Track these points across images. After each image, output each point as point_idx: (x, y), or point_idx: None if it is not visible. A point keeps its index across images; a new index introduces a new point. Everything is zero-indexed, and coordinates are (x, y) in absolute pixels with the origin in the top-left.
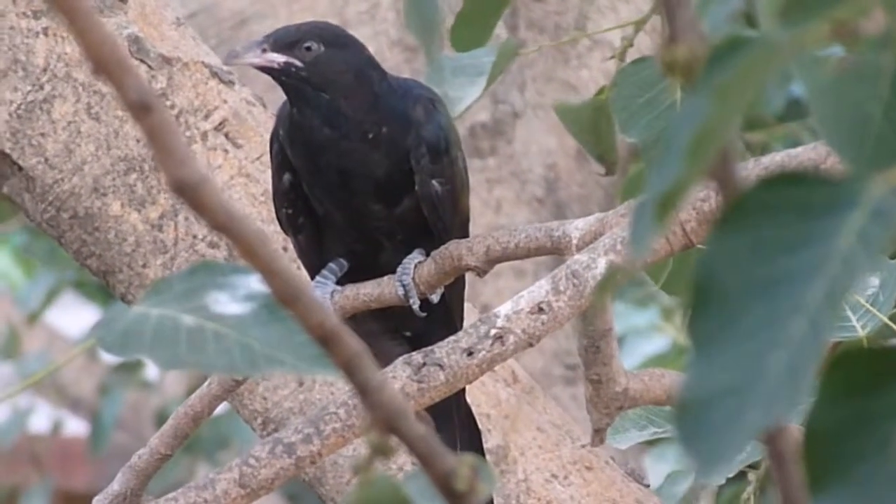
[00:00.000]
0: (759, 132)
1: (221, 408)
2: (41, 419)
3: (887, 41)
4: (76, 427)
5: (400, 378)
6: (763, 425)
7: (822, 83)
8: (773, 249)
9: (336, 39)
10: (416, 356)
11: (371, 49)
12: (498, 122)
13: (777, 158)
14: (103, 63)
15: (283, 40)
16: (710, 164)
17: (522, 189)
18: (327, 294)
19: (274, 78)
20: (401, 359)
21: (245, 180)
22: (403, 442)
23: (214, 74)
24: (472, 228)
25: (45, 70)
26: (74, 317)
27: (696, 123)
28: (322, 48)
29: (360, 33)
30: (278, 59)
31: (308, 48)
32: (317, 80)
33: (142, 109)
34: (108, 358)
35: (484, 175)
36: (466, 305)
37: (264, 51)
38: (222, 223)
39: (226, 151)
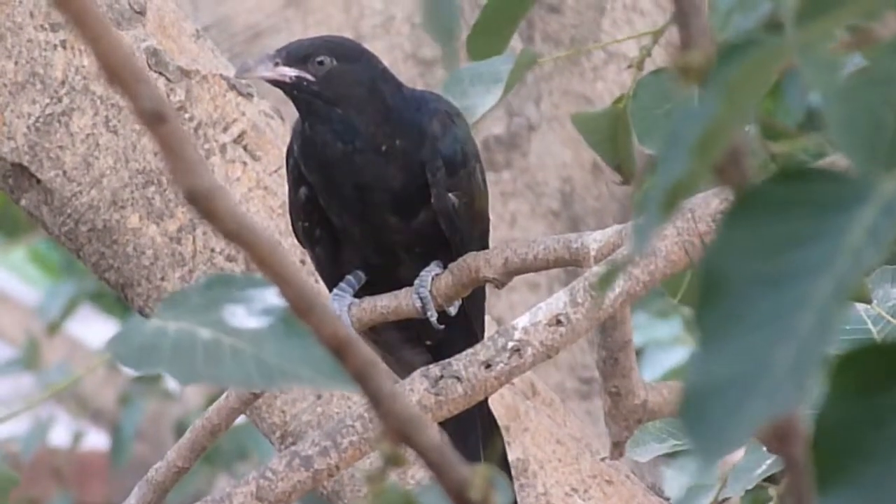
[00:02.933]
0: (783, 142)
1: (241, 419)
2: (62, 431)
3: None
4: (97, 439)
5: (418, 391)
6: (767, 417)
7: (835, 88)
8: (781, 243)
9: (348, 53)
10: (434, 369)
11: (385, 63)
12: (513, 135)
13: None
14: (116, 72)
15: (296, 54)
16: (717, 160)
17: (538, 202)
18: (345, 307)
19: (286, 93)
20: (418, 371)
21: (263, 192)
22: (416, 451)
23: (233, 87)
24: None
25: (63, 83)
26: (96, 327)
27: (704, 120)
28: (334, 62)
29: (375, 47)
30: (290, 72)
31: (320, 62)
32: (329, 94)
33: (155, 118)
34: (129, 369)
35: (499, 188)
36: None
37: (276, 64)
38: (234, 232)
39: (244, 164)
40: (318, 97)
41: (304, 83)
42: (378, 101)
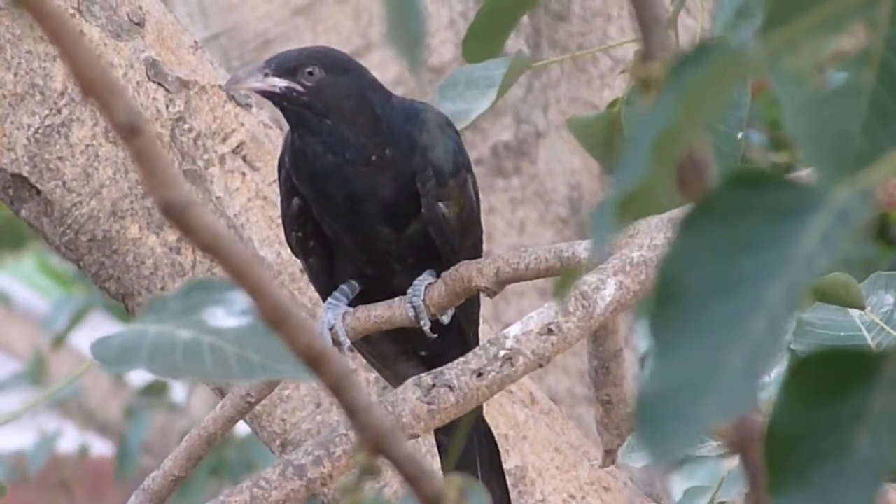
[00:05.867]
0: (784, 153)
1: (247, 431)
2: (70, 443)
3: (867, 58)
4: (105, 451)
5: (410, 400)
6: (719, 420)
7: (802, 99)
8: (735, 249)
9: (337, 64)
10: (426, 378)
11: (394, 71)
12: (521, 142)
13: None
14: (92, 85)
15: (285, 65)
16: (675, 168)
17: (546, 209)
18: (339, 316)
19: (275, 104)
20: (411, 380)
21: (262, 203)
22: (391, 463)
23: (231, 98)
24: (495, 249)
25: (62, 94)
26: None
27: (659, 127)
28: (323, 73)
29: (384, 55)
30: (280, 83)
31: (310, 73)
32: (318, 105)
33: (129, 131)
34: (135, 381)
35: (507, 195)
36: (485, 326)
37: (266, 75)
38: (209, 244)
39: (243, 174)
40: (308, 108)
41: (294, 94)
42: (368, 111)
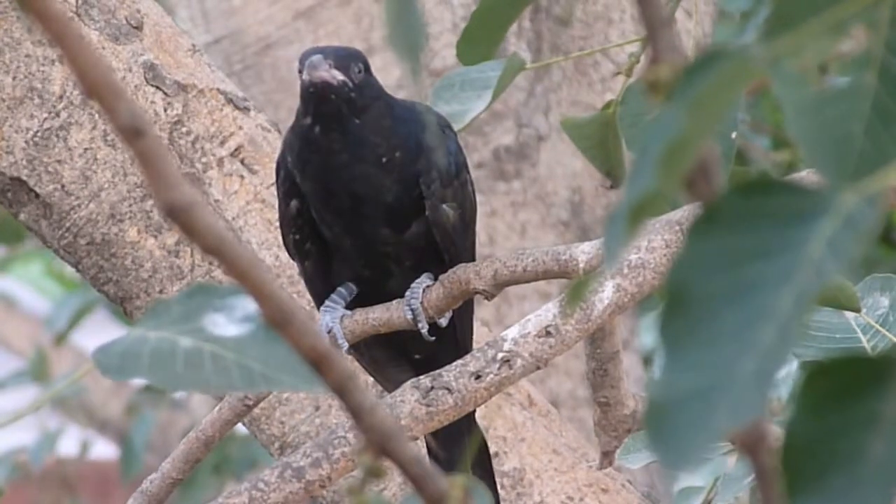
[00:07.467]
0: (785, 151)
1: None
2: (71, 441)
3: (868, 60)
4: (106, 449)
5: (408, 402)
6: (729, 428)
7: (803, 101)
8: (744, 256)
9: (367, 64)
10: (424, 380)
11: (395, 75)
12: (522, 146)
13: None
14: (95, 87)
15: (342, 59)
16: (685, 175)
17: (547, 212)
18: (337, 318)
19: (321, 95)
20: (409, 382)
21: (261, 206)
22: (396, 464)
23: (230, 101)
24: (496, 252)
25: (61, 97)
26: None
27: (669, 135)
28: (363, 71)
29: (385, 58)
30: (338, 76)
31: (358, 70)
32: (360, 102)
33: (133, 133)
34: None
35: (509, 198)
36: (483, 329)
37: (330, 66)
38: (213, 247)
39: (241, 177)
40: (349, 104)
41: (346, 88)
42: (388, 114)
